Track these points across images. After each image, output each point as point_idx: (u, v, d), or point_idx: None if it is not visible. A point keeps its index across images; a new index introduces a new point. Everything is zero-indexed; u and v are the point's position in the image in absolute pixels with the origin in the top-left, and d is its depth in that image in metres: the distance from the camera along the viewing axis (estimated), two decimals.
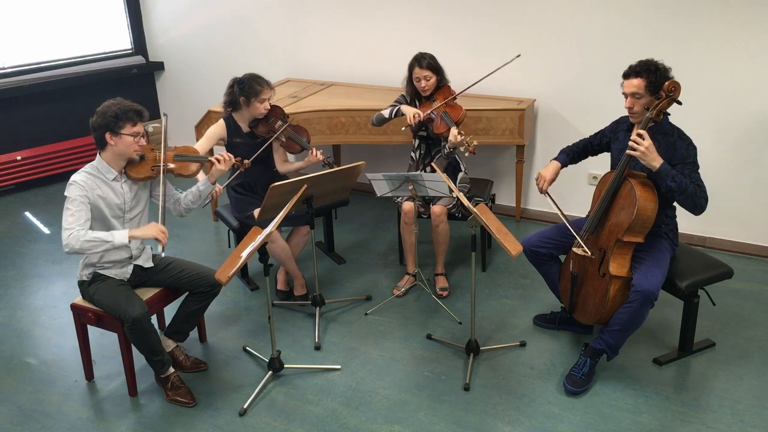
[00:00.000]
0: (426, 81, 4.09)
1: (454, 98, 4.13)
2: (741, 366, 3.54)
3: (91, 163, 3.30)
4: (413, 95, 4.26)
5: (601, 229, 3.41)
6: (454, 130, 3.89)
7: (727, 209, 4.67)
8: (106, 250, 3.20)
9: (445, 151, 4.10)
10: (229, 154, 3.52)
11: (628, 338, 3.38)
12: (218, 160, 3.47)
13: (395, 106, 4.24)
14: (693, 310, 3.52)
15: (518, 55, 4.17)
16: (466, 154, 3.86)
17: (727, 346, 3.69)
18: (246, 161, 3.69)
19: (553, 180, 3.61)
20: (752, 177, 4.54)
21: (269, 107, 4.04)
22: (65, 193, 3.20)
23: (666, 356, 3.59)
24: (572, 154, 3.71)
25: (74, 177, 3.22)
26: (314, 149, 4.06)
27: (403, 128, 4.24)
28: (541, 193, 3.59)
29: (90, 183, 3.22)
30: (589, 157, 3.77)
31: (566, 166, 3.71)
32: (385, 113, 4.24)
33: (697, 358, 3.60)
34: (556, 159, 3.70)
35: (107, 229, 3.28)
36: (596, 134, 3.69)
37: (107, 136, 3.19)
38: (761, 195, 4.56)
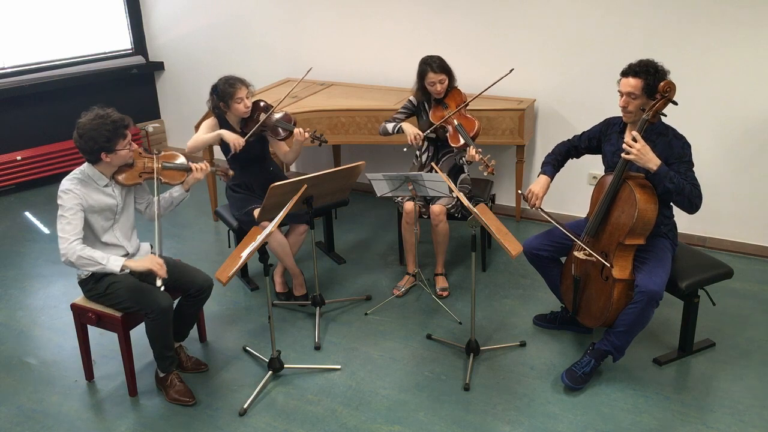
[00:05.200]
0: (441, 84, 4.09)
1: (466, 105, 4.11)
2: (741, 366, 3.54)
3: (81, 169, 3.26)
4: (424, 100, 4.25)
5: (601, 233, 3.40)
6: (472, 150, 3.85)
7: (727, 209, 4.67)
8: (97, 271, 3.19)
9: (461, 161, 4.15)
10: (206, 163, 3.50)
11: (633, 339, 3.38)
12: (196, 169, 3.46)
13: (397, 122, 4.24)
14: (693, 310, 3.52)
15: (512, 70, 4.12)
16: (485, 174, 3.80)
17: (727, 346, 3.69)
18: (230, 172, 3.71)
19: (544, 195, 3.59)
20: (752, 177, 4.54)
21: (249, 105, 4.04)
22: (59, 201, 3.17)
23: (666, 356, 3.59)
24: (556, 164, 3.69)
25: (66, 185, 3.19)
26: (297, 128, 4.05)
27: (405, 149, 4.24)
28: (533, 208, 3.57)
29: (83, 191, 3.21)
30: (588, 157, 3.75)
31: (553, 178, 3.69)
32: (389, 127, 4.24)
33: (697, 358, 3.60)
34: (543, 173, 3.66)
35: (94, 235, 3.28)
36: (581, 136, 3.65)
37: (102, 155, 3.18)
38: (761, 195, 4.55)
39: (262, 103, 4.16)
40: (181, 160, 3.50)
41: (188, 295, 3.48)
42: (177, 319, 3.54)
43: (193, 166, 3.47)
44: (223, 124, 4.09)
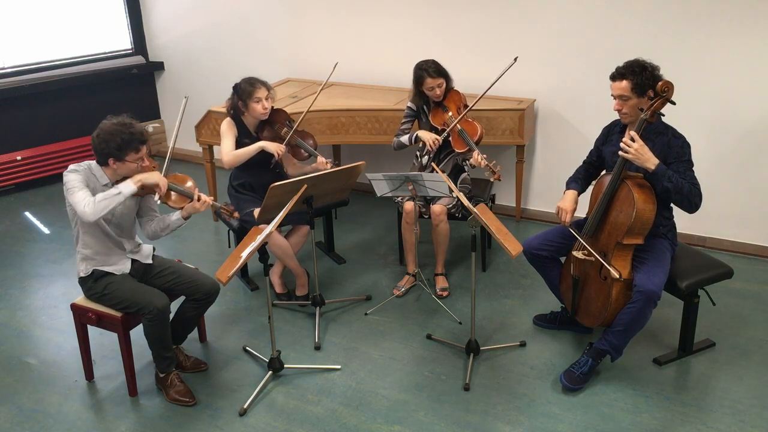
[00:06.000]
0: (439, 88, 4.11)
1: (468, 110, 4.09)
2: (741, 366, 3.54)
3: (87, 163, 3.27)
4: (422, 104, 4.25)
5: (600, 232, 3.40)
6: (477, 155, 3.86)
7: (727, 209, 4.67)
8: (120, 202, 3.16)
9: (463, 164, 4.18)
10: (211, 198, 3.41)
11: (631, 339, 3.38)
12: (200, 201, 3.37)
13: (410, 132, 4.24)
14: (693, 310, 3.52)
15: (516, 58, 4.12)
16: (492, 179, 3.82)
17: (727, 346, 3.70)
18: (236, 213, 3.61)
19: (574, 210, 3.55)
20: (752, 177, 4.54)
21: (268, 107, 4.03)
22: (65, 179, 3.17)
23: (666, 356, 3.59)
24: (581, 182, 3.66)
25: (72, 167, 3.21)
26: (321, 156, 4.08)
27: (424, 157, 4.24)
28: (565, 225, 3.52)
29: (87, 177, 3.22)
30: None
31: (582, 193, 3.66)
32: (404, 140, 4.24)
33: (697, 358, 3.60)
34: (570, 189, 3.62)
35: (94, 236, 3.28)
36: (591, 153, 3.68)
37: (110, 161, 3.19)
38: (761, 195, 4.55)
39: (284, 117, 4.17)
40: (189, 185, 3.42)
41: (194, 298, 3.47)
42: (178, 321, 3.53)
43: (201, 196, 3.38)
44: (240, 126, 4.08)
